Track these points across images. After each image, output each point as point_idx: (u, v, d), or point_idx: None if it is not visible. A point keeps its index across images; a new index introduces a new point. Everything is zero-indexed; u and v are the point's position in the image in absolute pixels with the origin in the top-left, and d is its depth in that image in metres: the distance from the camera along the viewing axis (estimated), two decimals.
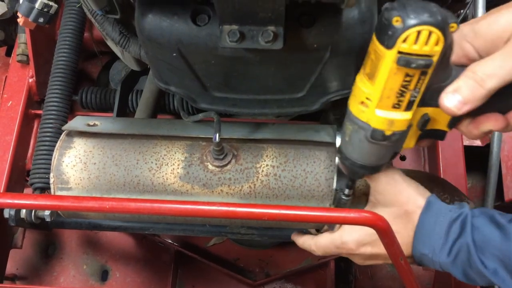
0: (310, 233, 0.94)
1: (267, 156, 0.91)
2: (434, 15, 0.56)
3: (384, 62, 0.59)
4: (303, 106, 0.88)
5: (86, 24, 1.36)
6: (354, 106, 0.66)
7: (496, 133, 1.44)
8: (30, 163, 1.32)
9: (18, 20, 1.02)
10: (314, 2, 0.65)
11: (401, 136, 0.67)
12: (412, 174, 0.86)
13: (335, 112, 1.13)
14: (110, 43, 0.98)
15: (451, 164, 1.34)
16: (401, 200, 0.81)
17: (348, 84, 0.81)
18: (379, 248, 0.83)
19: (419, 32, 0.56)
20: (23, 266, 1.48)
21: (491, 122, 0.68)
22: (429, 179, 0.99)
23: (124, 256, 1.52)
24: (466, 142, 1.43)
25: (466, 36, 0.65)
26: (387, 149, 0.72)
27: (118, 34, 0.90)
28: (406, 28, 0.56)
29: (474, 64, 0.63)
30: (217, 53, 0.76)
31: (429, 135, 0.73)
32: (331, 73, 0.81)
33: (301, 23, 0.73)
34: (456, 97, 0.62)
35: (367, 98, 0.63)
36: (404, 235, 0.81)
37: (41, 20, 1.00)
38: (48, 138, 1.18)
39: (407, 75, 0.59)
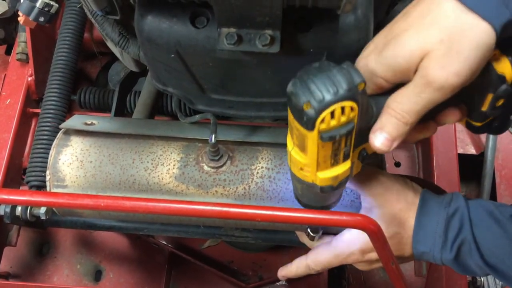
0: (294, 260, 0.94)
1: (262, 158, 0.92)
2: (340, 87, 0.54)
3: (309, 141, 0.59)
4: None
5: (86, 24, 1.37)
6: (296, 171, 0.67)
7: (491, 142, 1.45)
8: (27, 161, 1.33)
9: (19, 18, 1.03)
10: (310, 7, 0.66)
11: (348, 178, 0.69)
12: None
13: None
14: (109, 44, 0.99)
15: (445, 171, 1.35)
16: (390, 198, 0.82)
17: None
18: None
19: (332, 112, 0.55)
20: (17, 264, 1.48)
21: (425, 131, 0.72)
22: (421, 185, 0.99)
23: (118, 256, 1.52)
24: (461, 150, 1.44)
25: (375, 71, 0.64)
26: (339, 191, 0.76)
27: (118, 35, 0.91)
28: (318, 113, 0.55)
29: (391, 99, 0.63)
30: (215, 56, 0.77)
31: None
32: None
33: (298, 28, 0.74)
34: (383, 135, 0.64)
35: (305, 165, 0.64)
36: (403, 236, 0.82)
37: (41, 19, 1.01)
38: (45, 137, 1.19)
39: (334, 143, 0.60)
